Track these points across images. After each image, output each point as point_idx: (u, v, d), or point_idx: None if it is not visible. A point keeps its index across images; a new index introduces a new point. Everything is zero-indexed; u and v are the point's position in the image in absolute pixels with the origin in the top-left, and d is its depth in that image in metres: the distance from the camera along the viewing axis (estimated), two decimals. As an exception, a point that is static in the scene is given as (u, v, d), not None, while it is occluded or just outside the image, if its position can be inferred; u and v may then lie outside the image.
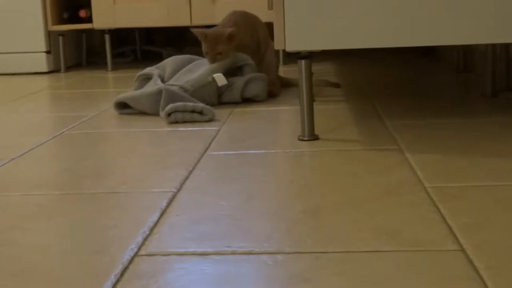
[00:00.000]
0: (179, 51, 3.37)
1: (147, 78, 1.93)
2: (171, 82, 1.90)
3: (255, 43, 2.05)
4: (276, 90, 2.03)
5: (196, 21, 2.86)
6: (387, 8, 1.30)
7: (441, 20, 1.30)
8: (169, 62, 2.04)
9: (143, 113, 1.78)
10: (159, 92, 1.75)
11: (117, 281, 0.74)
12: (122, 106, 1.84)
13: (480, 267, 0.73)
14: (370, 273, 0.73)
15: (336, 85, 2.15)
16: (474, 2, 1.29)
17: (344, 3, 1.31)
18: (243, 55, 1.97)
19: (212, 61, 1.93)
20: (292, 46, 1.33)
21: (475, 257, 0.76)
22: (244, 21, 2.06)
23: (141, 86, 1.93)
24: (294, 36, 1.32)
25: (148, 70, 1.96)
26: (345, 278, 0.72)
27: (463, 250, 0.78)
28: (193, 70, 1.95)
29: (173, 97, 1.73)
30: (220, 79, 1.88)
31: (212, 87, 1.88)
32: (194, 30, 1.96)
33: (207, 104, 1.76)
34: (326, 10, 1.31)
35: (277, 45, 1.34)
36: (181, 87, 1.83)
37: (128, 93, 1.84)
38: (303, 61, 1.37)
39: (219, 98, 1.88)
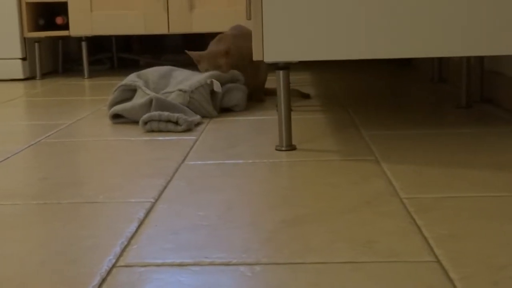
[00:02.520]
0: (156, 58, 3.37)
1: (129, 89, 1.91)
2: (168, 89, 1.90)
3: None
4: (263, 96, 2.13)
5: (174, 29, 2.86)
6: (364, 20, 1.32)
7: (416, 33, 1.32)
8: (151, 72, 2.03)
9: (136, 122, 1.76)
10: (151, 102, 1.74)
11: (95, 292, 0.74)
12: (116, 116, 1.84)
13: (455, 278, 0.74)
14: (346, 284, 0.74)
15: (307, 96, 2.17)
16: (449, 16, 1.31)
17: (322, 15, 1.32)
18: (238, 73, 2.00)
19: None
20: (270, 57, 1.34)
21: (451, 268, 0.77)
22: (241, 32, 2.08)
23: (121, 96, 1.91)
24: (272, 47, 1.33)
25: (130, 81, 1.93)
26: (322, 289, 0.73)
27: (438, 261, 0.79)
28: (189, 78, 1.95)
29: (163, 105, 1.73)
30: (217, 85, 1.89)
31: (207, 89, 1.89)
32: (189, 53, 2.00)
33: (206, 109, 1.84)
34: (304, 21, 1.32)
35: (256, 55, 1.35)
36: (180, 90, 1.85)
37: (121, 105, 1.81)
38: (281, 72, 1.38)
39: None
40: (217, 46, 2.05)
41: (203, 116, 1.85)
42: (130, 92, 1.90)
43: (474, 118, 1.71)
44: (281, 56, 1.34)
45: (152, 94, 1.79)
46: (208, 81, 1.89)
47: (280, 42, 1.33)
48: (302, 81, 2.64)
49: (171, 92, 1.88)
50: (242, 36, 2.08)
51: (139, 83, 1.90)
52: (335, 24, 1.32)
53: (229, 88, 1.93)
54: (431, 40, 1.32)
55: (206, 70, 1.98)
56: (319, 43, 1.33)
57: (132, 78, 1.95)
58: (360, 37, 1.32)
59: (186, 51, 2.02)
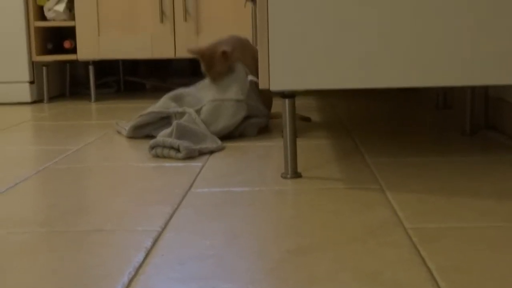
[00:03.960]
0: (163, 82, 3.40)
1: (161, 117, 1.97)
2: (216, 97, 1.94)
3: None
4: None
5: (180, 53, 2.89)
6: (369, 50, 1.34)
7: (420, 63, 1.33)
8: (186, 91, 2.05)
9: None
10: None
11: (103, 323, 0.75)
12: (136, 128, 1.96)
13: (458, 311, 0.75)
14: (352, 316, 0.75)
15: (307, 119, 2.19)
16: (453, 46, 1.33)
17: (328, 44, 1.34)
18: (264, 108, 2.03)
19: (213, 80, 1.96)
20: (276, 85, 1.36)
21: (454, 300, 0.78)
22: (239, 42, 2.09)
23: (147, 121, 1.96)
24: (278, 75, 1.35)
25: (163, 108, 1.97)
26: (327, 321, 0.74)
27: (442, 293, 0.80)
28: (228, 86, 1.97)
29: (183, 132, 1.75)
30: (255, 79, 1.95)
31: (252, 88, 1.99)
32: (190, 50, 1.99)
33: (260, 109, 1.96)
34: (310, 50, 1.34)
35: (262, 84, 1.37)
36: (237, 100, 1.92)
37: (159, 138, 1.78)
38: (287, 100, 1.39)
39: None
40: (220, 44, 2.03)
41: (258, 125, 1.97)
42: (156, 118, 1.95)
43: (478, 145, 1.72)
44: (287, 85, 1.36)
45: (175, 122, 1.80)
46: (249, 78, 1.95)
47: (286, 70, 1.35)
48: (307, 105, 2.66)
49: (224, 100, 1.92)
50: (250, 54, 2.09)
51: (172, 108, 1.94)
52: (341, 53, 1.34)
53: (251, 124, 1.97)
54: (435, 70, 1.33)
55: (205, 73, 2.00)
56: (325, 72, 1.35)
57: (165, 105, 1.97)
58: (365, 66, 1.34)
59: (187, 48, 2.02)
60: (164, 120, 1.97)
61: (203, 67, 1.99)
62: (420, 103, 2.64)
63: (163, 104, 1.99)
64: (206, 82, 2.04)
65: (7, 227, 1.12)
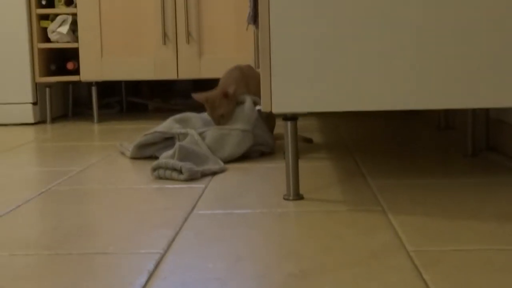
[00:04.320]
0: (166, 103, 3.41)
1: (165, 138, 1.98)
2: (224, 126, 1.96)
3: None
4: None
5: (183, 75, 2.91)
6: (371, 73, 1.34)
7: (422, 85, 1.34)
8: (192, 115, 2.07)
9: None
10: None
11: None
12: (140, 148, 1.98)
13: (461, 335, 0.75)
14: None
15: (309, 141, 2.20)
16: (455, 69, 1.34)
17: (330, 66, 1.35)
18: (271, 138, 2.03)
19: (217, 123, 1.96)
20: (278, 108, 1.36)
21: (457, 324, 0.78)
22: (241, 73, 2.10)
23: (152, 140, 1.97)
24: (281, 98, 1.36)
25: (166, 128, 1.99)
26: None
27: (445, 317, 0.80)
28: (236, 116, 1.98)
29: (186, 154, 1.76)
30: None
31: (261, 118, 2.01)
32: (195, 96, 1.98)
33: (267, 140, 1.98)
34: (312, 73, 1.35)
35: (264, 107, 1.38)
36: (243, 130, 1.92)
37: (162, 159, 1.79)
38: (289, 123, 1.40)
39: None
40: (222, 86, 2.03)
41: (262, 151, 1.98)
42: (160, 138, 1.98)
43: (480, 167, 1.72)
44: (290, 108, 1.37)
45: (177, 144, 1.81)
46: (257, 108, 1.96)
47: (289, 93, 1.36)
48: (308, 126, 2.67)
49: (230, 129, 1.93)
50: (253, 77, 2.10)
51: (176, 129, 1.95)
52: (343, 76, 1.35)
53: (256, 150, 1.99)
54: (436, 93, 1.34)
55: (210, 117, 2.00)
56: (327, 94, 1.35)
57: (169, 126, 1.98)
58: (366, 89, 1.35)
59: (193, 94, 2.01)
60: (168, 141, 1.98)
61: (207, 112, 1.98)
62: (422, 123, 2.65)
63: (167, 125, 2.00)
64: None
65: (10, 249, 1.12)
